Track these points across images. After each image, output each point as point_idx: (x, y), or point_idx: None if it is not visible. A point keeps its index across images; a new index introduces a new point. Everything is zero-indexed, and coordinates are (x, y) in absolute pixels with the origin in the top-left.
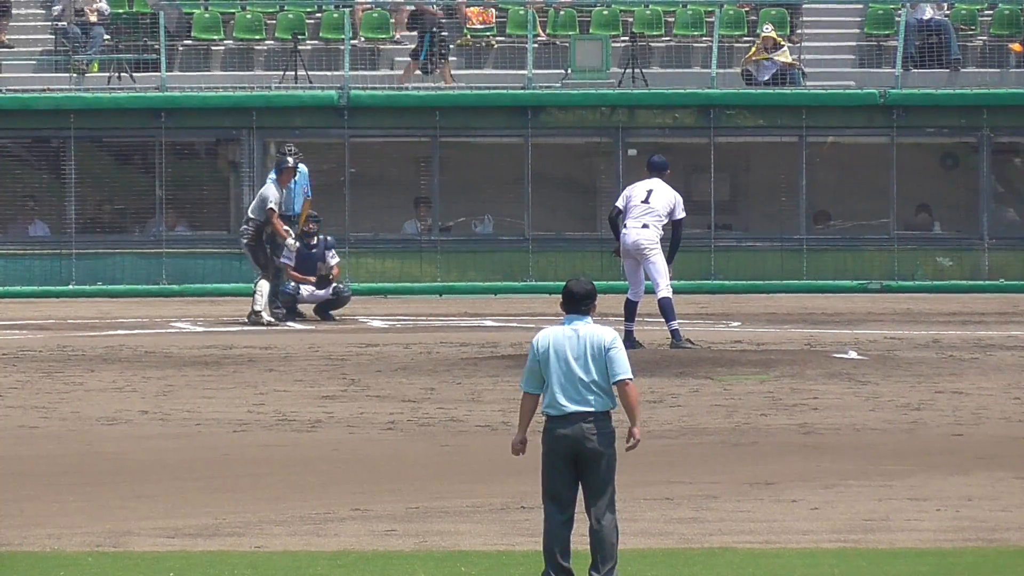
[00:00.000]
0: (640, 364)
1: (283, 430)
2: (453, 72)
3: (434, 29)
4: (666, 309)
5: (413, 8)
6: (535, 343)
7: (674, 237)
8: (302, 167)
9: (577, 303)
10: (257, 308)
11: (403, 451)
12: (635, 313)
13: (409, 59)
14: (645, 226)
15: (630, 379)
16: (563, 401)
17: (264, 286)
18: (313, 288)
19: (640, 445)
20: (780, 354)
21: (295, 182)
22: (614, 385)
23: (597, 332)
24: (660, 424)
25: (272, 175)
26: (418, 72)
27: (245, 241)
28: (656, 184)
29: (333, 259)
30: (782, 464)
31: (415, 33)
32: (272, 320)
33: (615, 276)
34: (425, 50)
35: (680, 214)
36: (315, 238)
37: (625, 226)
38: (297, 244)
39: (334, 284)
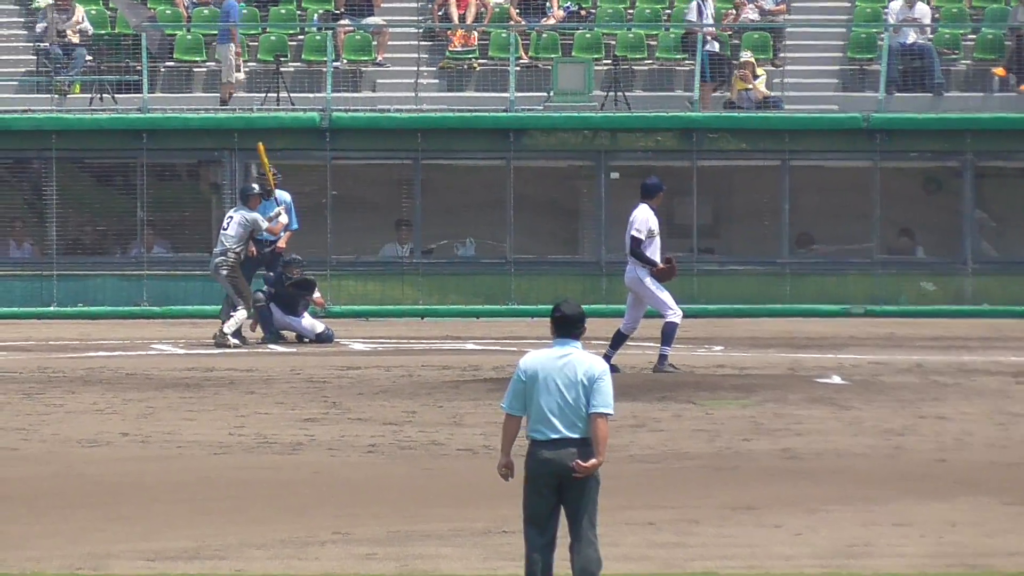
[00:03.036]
0: (622, 388)
1: (264, 453)
2: (435, 95)
3: None
4: (666, 334)
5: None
6: (523, 366)
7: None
8: (285, 195)
9: (570, 327)
10: (226, 330)
11: (384, 474)
12: (621, 344)
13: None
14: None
15: (610, 415)
16: (551, 426)
17: (241, 315)
18: (293, 319)
19: (622, 470)
20: (763, 379)
21: (268, 204)
22: (589, 415)
23: (589, 360)
24: (642, 448)
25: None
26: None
27: (225, 272)
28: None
29: (315, 293)
30: (765, 489)
31: (400, 55)
32: (238, 343)
33: (598, 300)
34: None
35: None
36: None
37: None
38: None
39: (320, 330)
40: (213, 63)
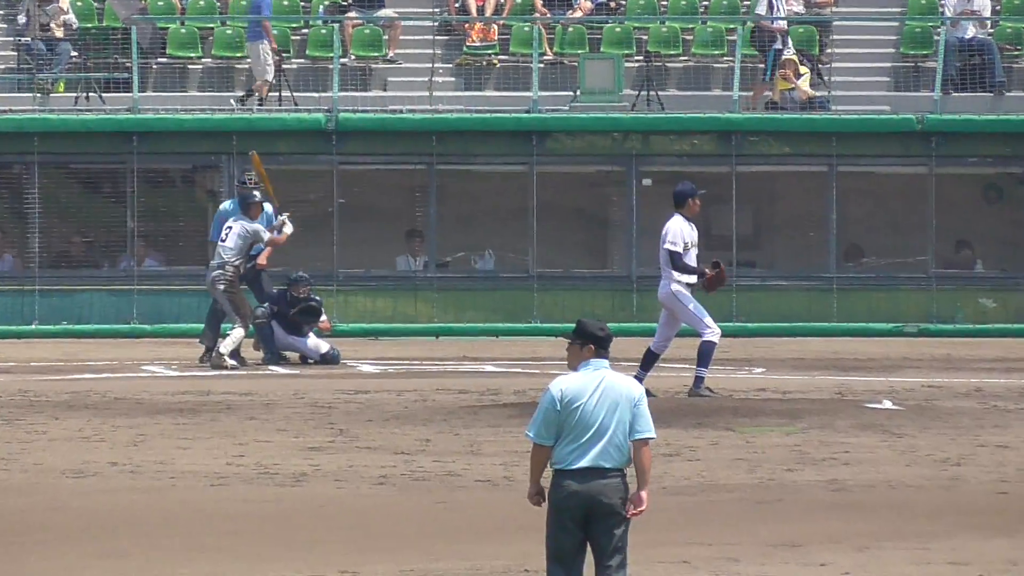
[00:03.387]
0: (654, 413)
1: (265, 484)
2: (451, 94)
3: None
4: (703, 354)
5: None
6: (557, 391)
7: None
8: (269, 208)
9: (605, 346)
10: (222, 350)
11: (396, 507)
12: (652, 365)
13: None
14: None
15: (653, 438)
16: (581, 455)
17: (238, 334)
18: (296, 338)
19: (655, 502)
20: (808, 403)
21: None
22: (633, 442)
23: (624, 383)
24: (676, 480)
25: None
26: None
27: (223, 287)
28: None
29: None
30: (810, 524)
31: (413, 51)
32: (236, 364)
33: (628, 317)
34: None
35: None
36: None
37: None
38: (286, 215)
39: (326, 350)
40: (209, 59)
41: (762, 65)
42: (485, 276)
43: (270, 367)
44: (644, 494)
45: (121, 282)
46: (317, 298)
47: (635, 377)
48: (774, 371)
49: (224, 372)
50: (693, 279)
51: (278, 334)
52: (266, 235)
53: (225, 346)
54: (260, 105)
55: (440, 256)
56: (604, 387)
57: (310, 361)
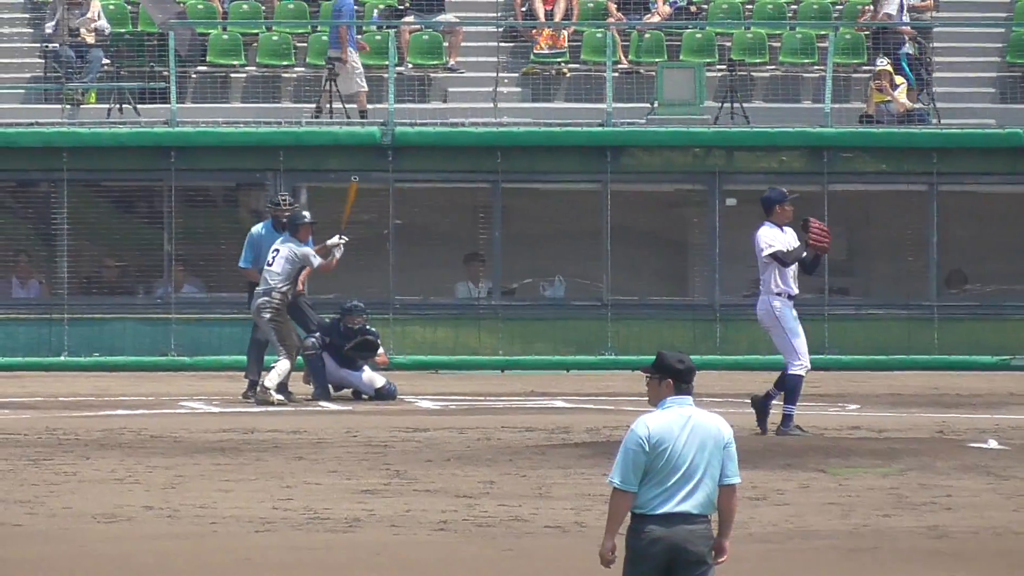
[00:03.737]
0: (741, 453)
1: (315, 530)
2: (517, 106)
3: None
4: (789, 389)
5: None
6: (644, 431)
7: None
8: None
9: (688, 380)
10: (268, 384)
11: (457, 556)
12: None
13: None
14: (757, 293)
15: (739, 483)
16: (665, 499)
17: (284, 367)
18: (349, 372)
19: (738, 550)
20: (905, 443)
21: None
22: (722, 487)
23: (713, 422)
24: (763, 526)
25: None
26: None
27: (268, 316)
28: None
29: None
30: (908, 574)
31: (476, 59)
32: (283, 399)
33: (711, 350)
34: None
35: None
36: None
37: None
38: (344, 240)
39: (381, 384)
40: (254, 68)
41: (857, 75)
42: (554, 304)
43: (320, 403)
44: (726, 543)
45: (157, 310)
46: (373, 330)
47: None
48: (869, 408)
49: (270, 408)
50: (794, 291)
51: (329, 367)
52: (316, 260)
53: (270, 379)
54: (362, 116)
55: (505, 283)
56: (692, 426)
57: (364, 396)
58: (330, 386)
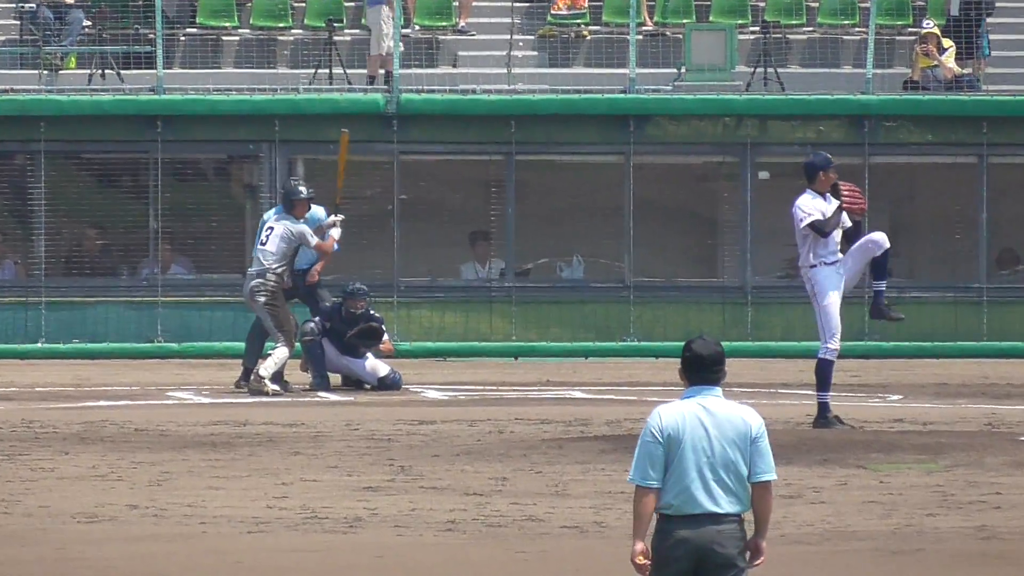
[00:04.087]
0: (773, 448)
1: (312, 531)
2: (533, 71)
3: None
4: (820, 376)
5: None
6: (657, 423)
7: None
8: (318, 210)
9: (706, 370)
10: (262, 373)
11: (466, 559)
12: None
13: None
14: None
15: (774, 480)
16: (691, 499)
17: (282, 354)
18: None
19: (772, 552)
20: (952, 437)
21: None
22: (754, 484)
23: (738, 413)
24: (798, 526)
25: (274, 212)
26: None
27: (263, 300)
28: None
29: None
30: None
31: (488, 20)
32: (278, 389)
33: (742, 335)
34: None
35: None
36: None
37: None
38: (340, 218)
39: (384, 373)
40: (247, 30)
41: (901, 37)
42: (572, 286)
43: (319, 393)
44: (763, 543)
45: (143, 293)
46: (378, 316)
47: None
48: (913, 399)
49: (264, 398)
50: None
51: (330, 354)
52: (313, 239)
53: (266, 368)
54: (386, 83)
55: (519, 263)
56: (713, 418)
57: (366, 386)
58: (330, 375)
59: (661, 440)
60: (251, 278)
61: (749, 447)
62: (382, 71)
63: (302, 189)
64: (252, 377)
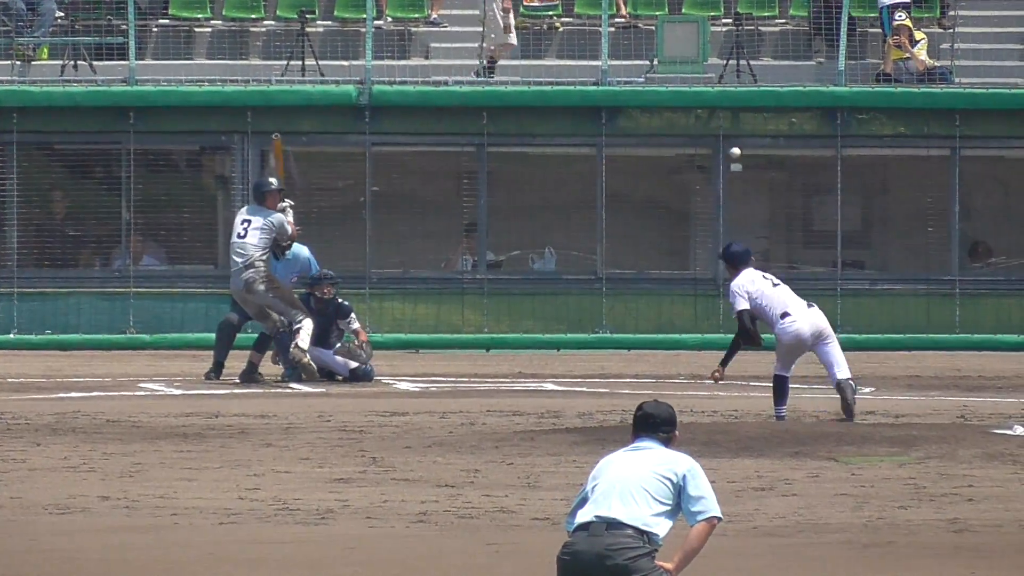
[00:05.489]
0: (745, 440)
1: (284, 522)
2: (505, 63)
3: None
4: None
5: None
6: (593, 471)
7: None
8: (301, 249)
9: (653, 427)
10: (302, 346)
11: (438, 550)
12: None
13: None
14: (810, 305)
15: (720, 520)
16: (591, 507)
17: (308, 324)
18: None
19: (744, 545)
20: (925, 429)
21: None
22: (699, 522)
23: (670, 453)
24: (769, 518)
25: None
26: None
27: (264, 287)
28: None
29: (353, 323)
30: (927, 571)
31: (460, 11)
32: (310, 364)
33: (714, 327)
34: None
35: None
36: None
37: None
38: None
39: (356, 365)
40: (220, 21)
41: (874, 29)
42: (544, 278)
43: (291, 385)
44: (673, 568)
45: (115, 284)
46: (346, 303)
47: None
48: (885, 391)
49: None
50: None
51: None
52: (290, 229)
53: (302, 340)
54: (482, 76)
55: (492, 255)
56: (642, 453)
57: (338, 378)
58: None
59: (588, 485)
60: (240, 271)
61: (679, 483)
62: (487, 61)
63: (272, 180)
64: (292, 348)
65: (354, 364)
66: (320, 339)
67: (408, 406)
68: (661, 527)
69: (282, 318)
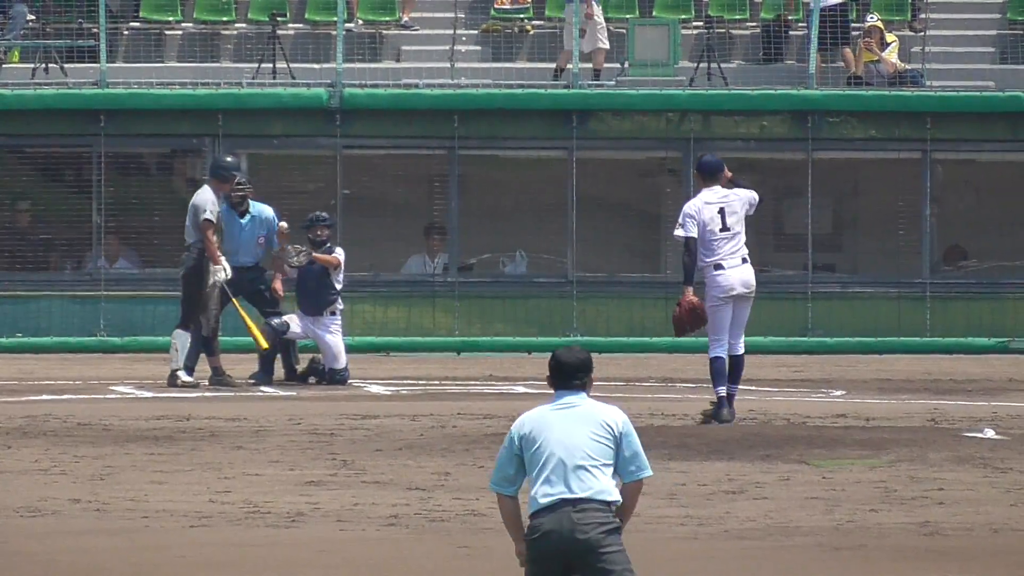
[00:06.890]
0: (716, 443)
1: (255, 525)
2: (476, 66)
3: None
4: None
5: None
6: (514, 428)
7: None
8: (264, 208)
9: (568, 377)
10: (174, 366)
11: (408, 553)
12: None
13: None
14: (745, 260)
15: (649, 476)
16: (548, 487)
17: (182, 338)
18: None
19: (715, 548)
20: (895, 432)
21: (245, 225)
22: (627, 483)
23: (601, 408)
24: (740, 521)
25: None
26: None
27: (183, 271)
28: (723, 194)
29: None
30: (897, 574)
31: (431, 15)
32: (190, 381)
33: None
34: None
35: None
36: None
37: (717, 266)
38: (226, 277)
39: (341, 366)
40: (191, 24)
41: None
42: (515, 281)
43: (262, 387)
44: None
45: (86, 287)
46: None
47: (718, 396)
48: (856, 394)
49: (197, 392)
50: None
51: (305, 322)
52: (202, 216)
53: (175, 360)
54: (596, 76)
55: (463, 258)
56: (572, 414)
57: (311, 380)
58: (272, 371)
59: (517, 443)
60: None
61: (616, 442)
62: (591, 64)
63: (228, 158)
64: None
65: (339, 365)
66: (314, 305)
67: (379, 409)
68: (615, 488)
69: (277, 320)
